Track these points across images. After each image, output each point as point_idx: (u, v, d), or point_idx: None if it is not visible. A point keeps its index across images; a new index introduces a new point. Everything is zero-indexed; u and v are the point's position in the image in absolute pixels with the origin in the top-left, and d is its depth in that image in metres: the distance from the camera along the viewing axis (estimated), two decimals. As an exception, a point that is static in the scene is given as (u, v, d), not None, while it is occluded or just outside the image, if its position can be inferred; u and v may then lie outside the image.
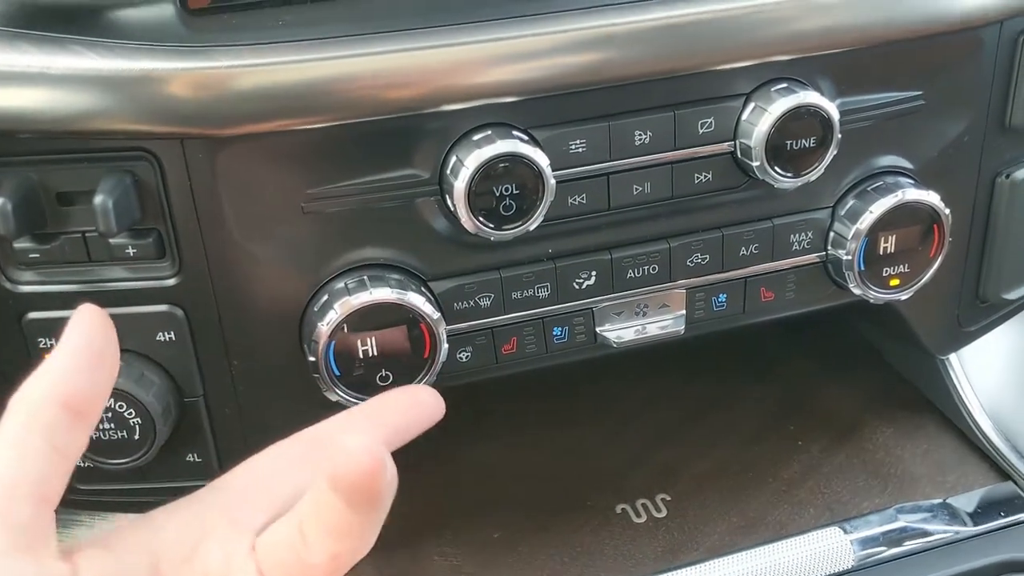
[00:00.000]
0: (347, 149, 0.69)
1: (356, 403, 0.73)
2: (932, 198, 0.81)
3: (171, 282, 0.70)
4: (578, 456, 0.97)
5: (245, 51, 0.66)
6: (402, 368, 0.73)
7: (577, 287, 0.78)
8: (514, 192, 0.70)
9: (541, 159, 0.70)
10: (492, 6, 0.71)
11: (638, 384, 1.05)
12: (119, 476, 0.75)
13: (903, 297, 0.85)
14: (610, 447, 0.98)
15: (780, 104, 0.73)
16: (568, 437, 0.99)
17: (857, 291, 0.83)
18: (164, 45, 0.65)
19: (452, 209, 0.71)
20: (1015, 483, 0.92)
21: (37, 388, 0.52)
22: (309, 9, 0.71)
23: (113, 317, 0.70)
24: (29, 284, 0.70)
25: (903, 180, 0.82)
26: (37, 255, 0.69)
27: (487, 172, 0.69)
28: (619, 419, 1.01)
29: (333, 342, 0.71)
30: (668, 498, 0.92)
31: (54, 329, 0.71)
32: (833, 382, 1.06)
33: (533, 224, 0.71)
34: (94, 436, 0.71)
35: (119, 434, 0.71)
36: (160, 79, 0.64)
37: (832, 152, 0.76)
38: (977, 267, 0.91)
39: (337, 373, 0.72)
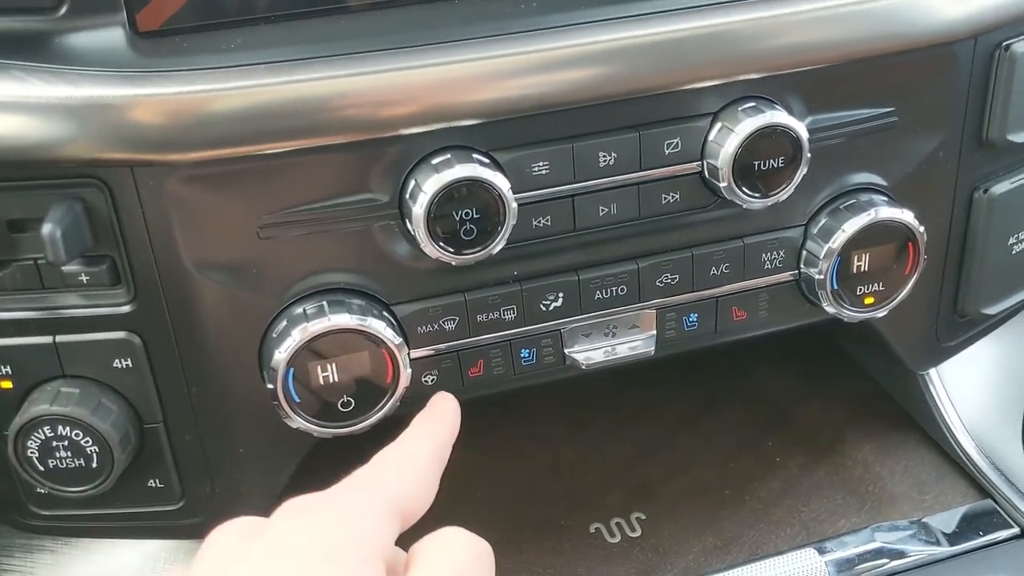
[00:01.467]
0: (303, 174, 0.68)
1: (318, 430, 0.72)
2: (906, 216, 0.80)
3: (126, 309, 0.69)
4: (554, 474, 0.96)
5: (196, 76, 0.65)
6: (365, 394, 0.72)
7: (544, 309, 0.77)
8: (475, 216, 0.69)
9: (502, 183, 0.69)
10: (450, 28, 0.70)
11: (616, 401, 1.04)
12: (80, 502, 0.75)
13: (879, 315, 0.84)
14: (587, 465, 0.97)
15: (747, 124, 0.72)
16: (545, 454, 0.98)
17: (831, 310, 0.82)
18: (113, 70, 0.64)
19: (412, 233, 0.70)
20: (994, 501, 0.91)
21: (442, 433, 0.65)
22: (260, 31, 0.69)
23: (69, 344, 0.70)
24: (-17, 312, 0.69)
25: (877, 198, 0.81)
26: None
27: (447, 196, 0.68)
28: (597, 436, 1.00)
29: (292, 369, 0.70)
30: (643, 517, 0.91)
31: (10, 357, 0.70)
32: (814, 397, 1.05)
33: (495, 248, 0.70)
34: (51, 464, 0.70)
35: (76, 462, 0.70)
36: (108, 106, 0.63)
37: (802, 172, 0.75)
38: (955, 282, 0.90)
39: (296, 400, 0.71)
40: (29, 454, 0.70)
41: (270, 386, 0.70)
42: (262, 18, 0.69)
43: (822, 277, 0.80)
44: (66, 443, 0.70)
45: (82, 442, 0.70)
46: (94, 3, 0.66)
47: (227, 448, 0.76)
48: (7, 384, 0.71)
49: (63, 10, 0.65)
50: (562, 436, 1.01)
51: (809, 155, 0.74)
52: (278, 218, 0.69)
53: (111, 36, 0.67)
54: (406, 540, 0.54)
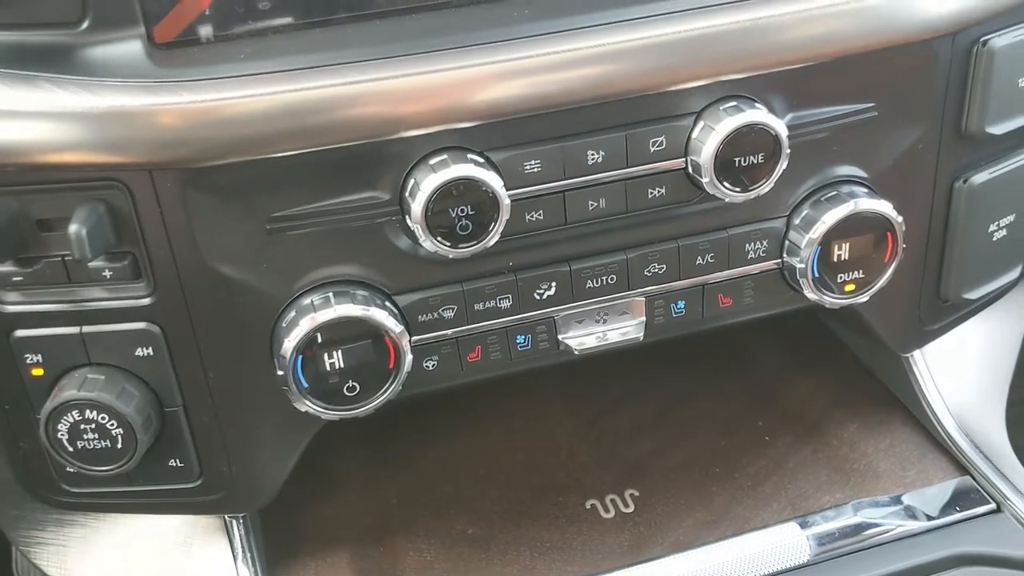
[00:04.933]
0: (310, 174, 0.73)
1: (324, 413, 0.77)
2: (884, 207, 0.83)
3: (147, 301, 0.74)
4: (549, 452, 1.01)
5: (210, 85, 0.69)
6: (369, 379, 0.77)
7: (538, 297, 0.82)
8: (470, 212, 0.73)
9: (495, 181, 0.73)
10: (447, 35, 0.74)
11: (609, 380, 1.08)
12: (107, 480, 0.80)
13: (860, 301, 0.88)
14: (581, 442, 1.02)
15: (727, 123, 0.76)
16: (540, 434, 1.03)
17: (812, 296, 0.86)
18: (133, 81, 0.69)
19: (412, 229, 0.74)
20: (972, 477, 0.95)
21: None
22: (270, 41, 0.74)
23: (95, 335, 0.76)
24: (15, 304, 0.75)
25: (858, 189, 0.84)
26: (21, 277, 0.73)
27: (443, 194, 0.72)
28: (590, 415, 1.05)
29: (300, 356, 0.75)
30: (637, 493, 0.96)
31: (41, 346, 0.75)
32: (802, 377, 1.09)
33: (490, 242, 0.75)
34: (79, 445, 0.76)
35: (103, 443, 0.76)
36: (129, 114, 0.68)
37: (781, 167, 0.78)
38: (937, 269, 0.93)
39: (305, 385, 0.76)
40: (59, 436, 0.75)
41: (280, 372, 0.76)
42: (271, 29, 0.74)
43: (804, 266, 0.84)
44: (93, 426, 0.75)
45: (108, 425, 0.75)
46: (114, 17, 0.71)
47: (242, 429, 0.81)
48: (38, 371, 0.76)
49: (85, 24, 0.70)
50: (558, 416, 1.05)
51: (788, 151, 0.78)
52: (287, 216, 0.73)
53: (130, 48, 0.71)
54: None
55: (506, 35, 0.74)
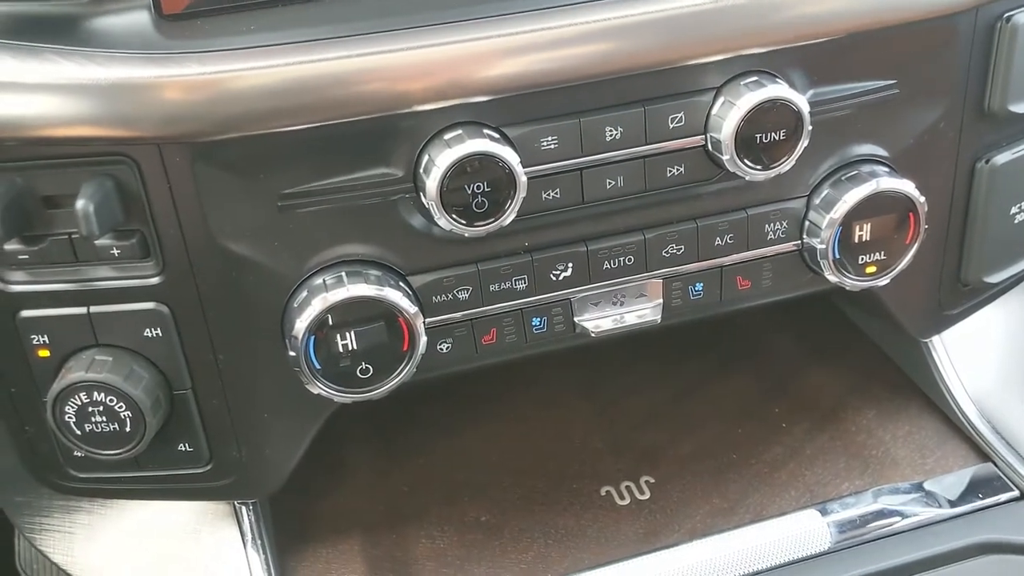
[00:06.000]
0: (321, 150, 0.71)
1: (337, 395, 0.76)
2: (907, 186, 0.82)
3: (155, 280, 0.73)
4: (563, 439, 0.99)
5: (218, 57, 0.68)
6: (382, 361, 0.76)
7: (554, 279, 0.80)
8: (486, 190, 0.72)
9: (511, 157, 0.71)
10: (461, 7, 0.72)
11: (622, 366, 1.07)
12: (115, 465, 0.79)
13: (880, 283, 0.86)
14: (595, 429, 1.00)
15: (748, 98, 0.74)
16: (553, 420, 1.01)
17: (833, 279, 0.84)
18: (139, 52, 0.67)
19: (427, 206, 0.73)
20: (994, 464, 0.93)
21: None
22: (278, 13, 0.72)
23: (102, 315, 0.74)
24: (20, 284, 0.73)
25: (879, 169, 0.83)
26: (26, 256, 0.72)
27: (458, 170, 0.71)
28: (604, 401, 1.04)
29: (312, 337, 0.73)
30: (652, 480, 0.94)
31: (47, 327, 0.74)
32: (818, 363, 1.07)
33: (506, 220, 0.73)
34: (87, 428, 0.74)
35: (111, 427, 0.74)
36: (135, 86, 0.67)
37: (803, 144, 0.77)
38: (958, 251, 0.92)
39: (317, 367, 0.74)
40: (67, 419, 0.74)
41: (292, 354, 0.74)
42: (280, 0, 0.72)
43: (824, 247, 0.82)
44: (101, 408, 0.74)
45: (116, 407, 0.73)
46: None
47: (252, 413, 0.79)
48: (44, 353, 0.74)
49: None
50: (571, 402, 1.04)
51: (810, 128, 0.76)
52: (298, 192, 0.72)
53: (136, 19, 0.70)
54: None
55: (522, 6, 0.72)
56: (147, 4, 0.70)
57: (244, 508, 0.86)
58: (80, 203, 0.67)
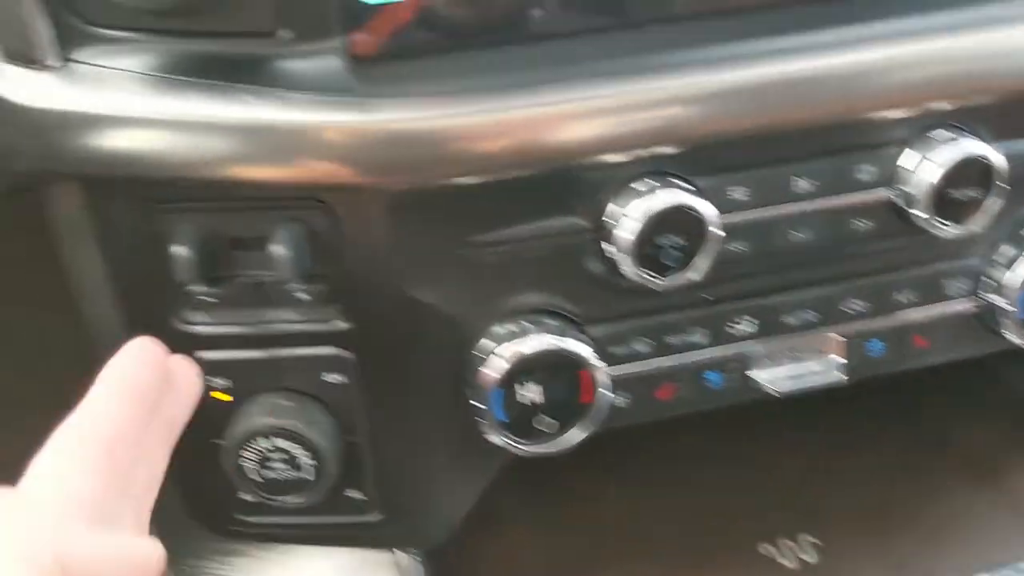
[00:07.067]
0: (510, 198, 0.70)
1: (518, 448, 0.74)
2: (1100, 244, 0.79)
3: (340, 326, 0.72)
4: (723, 495, 0.96)
5: (416, 103, 0.67)
6: (564, 414, 0.74)
7: (733, 332, 0.78)
8: (677, 242, 0.70)
9: (707, 209, 0.70)
10: (651, 54, 0.71)
11: (777, 422, 1.04)
12: (282, 511, 0.78)
13: (1069, 345, 0.83)
14: (751, 487, 0.97)
15: (944, 153, 0.72)
16: (711, 476, 0.98)
17: (1018, 340, 0.81)
18: (335, 96, 0.66)
19: (613, 258, 0.72)
20: None
21: None
22: (471, 58, 0.71)
23: (284, 359, 0.73)
24: (201, 325, 0.72)
25: (1070, 225, 0.80)
26: (210, 298, 0.71)
27: (652, 222, 0.69)
28: (761, 457, 1.01)
29: (497, 387, 0.72)
30: (813, 539, 0.91)
31: (228, 369, 0.74)
32: (976, 420, 1.03)
33: (696, 272, 0.72)
34: (267, 475, 0.73)
35: (292, 474, 0.73)
36: (333, 130, 0.66)
37: (999, 201, 0.74)
38: None
39: (500, 418, 0.73)
40: (247, 464, 0.73)
41: (475, 404, 0.73)
42: (473, 45, 0.71)
43: (1011, 307, 0.80)
44: (282, 455, 0.73)
45: (298, 454, 0.73)
46: (309, 28, 0.67)
47: (426, 462, 0.78)
48: (224, 396, 0.74)
49: (281, 34, 0.67)
50: (724, 458, 1.01)
51: (1006, 186, 0.74)
52: (484, 240, 0.71)
53: (328, 61, 0.68)
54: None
55: (714, 56, 0.71)
56: (337, 47, 0.68)
57: (405, 557, 0.85)
58: (275, 248, 0.67)
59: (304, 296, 0.71)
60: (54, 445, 0.56)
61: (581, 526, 0.94)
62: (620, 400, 0.78)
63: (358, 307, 0.72)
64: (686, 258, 0.71)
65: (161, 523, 0.86)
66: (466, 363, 0.74)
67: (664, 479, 0.99)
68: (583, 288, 0.74)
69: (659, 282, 0.71)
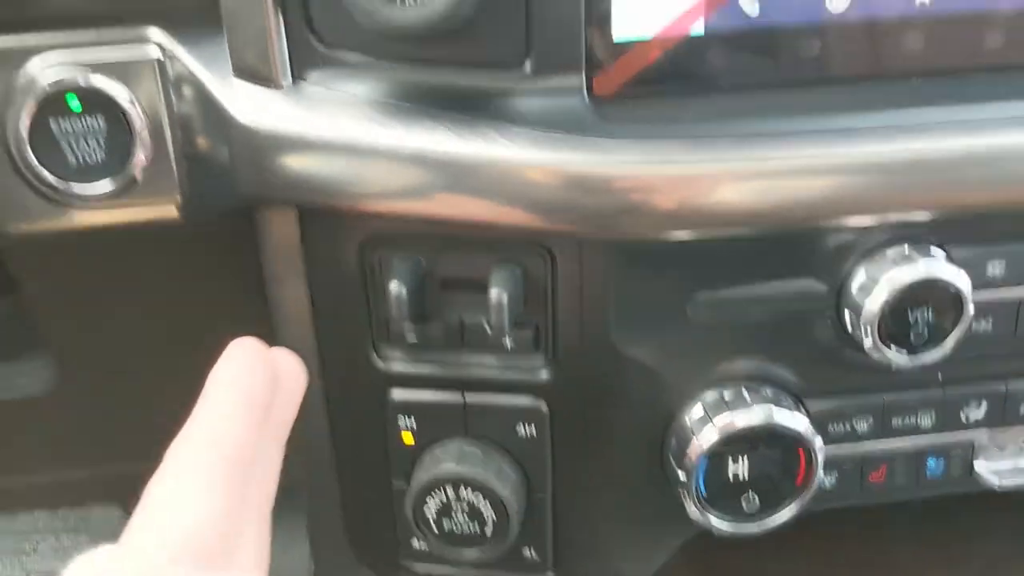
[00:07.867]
0: (741, 257, 0.64)
1: (719, 525, 0.68)
2: None
3: (541, 376, 0.67)
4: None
5: (661, 148, 0.61)
6: (771, 492, 0.67)
7: (963, 417, 0.71)
8: (929, 317, 0.63)
9: (963, 283, 0.63)
10: (912, 108, 0.64)
11: (959, 509, 0.95)
12: (456, 561, 0.73)
13: None
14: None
15: None
16: (886, 561, 0.90)
17: None
18: (576, 138, 0.60)
19: (850, 329, 0.64)
20: None
21: None
22: (714, 102, 0.64)
23: (477, 405, 0.68)
24: (400, 362, 0.68)
25: None
26: (412, 336, 0.67)
27: (901, 294, 0.62)
28: (938, 549, 0.92)
29: (704, 457, 0.66)
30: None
31: (417, 411, 0.69)
32: None
33: (945, 351, 0.64)
34: (446, 525, 0.68)
35: (472, 526, 0.68)
36: (577, 175, 0.60)
37: None
38: None
39: (703, 492, 0.67)
40: (428, 512, 0.68)
41: (680, 474, 0.66)
42: (718, 88, 0.64)
43: None
44: (466, 505, 0.68)
45: (481, 506, 0.68)
46: (556, 61, 0.61)
47: (609, 526, 0.72)
48: (409, 439, 0.69)
49: (526, 67, 0.61)
50: (903, 540, 0.92)
51: None
52: (710, 300, 0.65)
53: (568, 99, 0.62)
54: None
55: (985, 115, 0.63)
56: (578, 84, 0.62)
57: (570, 622, 0.79)
58: (494, 292, 0.62)
59: (508, 343, 0.66)
60: (170, 468, 0.50)
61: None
62: (828, 479, 0.71)
63: (562, 358, 0.66)
64: (937, 336, 0.63)
65: (319, 559, 0.82)
66: (670, 428, 0.68)
67: (831, 559, 0.91)
68: (809, 359, 0.67)
69: (903, 360, 0.64)
